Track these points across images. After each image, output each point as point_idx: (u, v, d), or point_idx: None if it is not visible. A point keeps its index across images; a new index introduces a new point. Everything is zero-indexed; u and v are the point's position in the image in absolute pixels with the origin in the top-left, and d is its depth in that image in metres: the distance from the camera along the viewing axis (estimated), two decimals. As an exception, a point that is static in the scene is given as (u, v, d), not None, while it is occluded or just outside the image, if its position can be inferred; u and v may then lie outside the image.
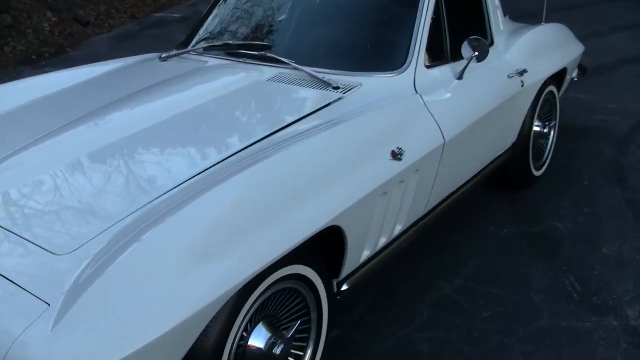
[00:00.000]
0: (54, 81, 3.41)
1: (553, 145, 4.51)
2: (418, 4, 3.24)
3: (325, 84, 2.97)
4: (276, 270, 2.19)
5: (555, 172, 4.52)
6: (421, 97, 2.99)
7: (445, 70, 3.28)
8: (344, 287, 2.65)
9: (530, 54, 3.95)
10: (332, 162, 2.42)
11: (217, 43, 3.46)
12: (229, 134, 2.65)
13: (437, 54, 3.32)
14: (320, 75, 3.01)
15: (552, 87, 4.31)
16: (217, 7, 3.77)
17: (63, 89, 3.31)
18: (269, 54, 3.21)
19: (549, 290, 3.29)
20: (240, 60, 3.28)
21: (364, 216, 2.51)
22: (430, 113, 2.95)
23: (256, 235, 2.05)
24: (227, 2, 3.75)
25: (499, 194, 4.28)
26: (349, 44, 3.31)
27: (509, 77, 3.67)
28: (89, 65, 3.70)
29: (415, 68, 3.11)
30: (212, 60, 3.36)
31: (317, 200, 2.28)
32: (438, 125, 2.95)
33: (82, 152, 2.53)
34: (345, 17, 3.42)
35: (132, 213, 2.10)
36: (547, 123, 4.36)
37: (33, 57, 8.12)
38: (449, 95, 3.18)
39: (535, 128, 4.19)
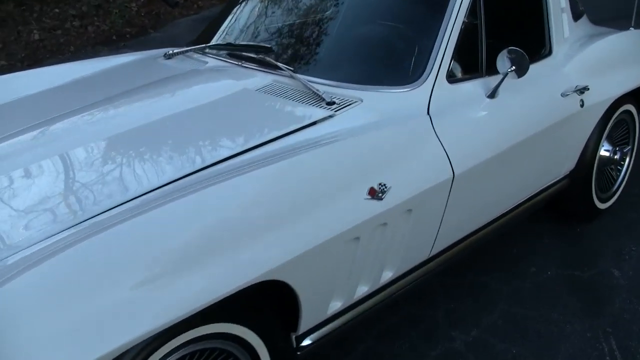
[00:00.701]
0: (54, 74, 3.18)
1: (628, 174, 3.85)
2: (447, 4, 2.73)
3: (319, 99, 2.54)
4: (188, 330, 1.82)
5: (628, 206, 3.87)
6: (431, 120, 2.50)
7: (476, 87, 2.77)
8: (306, 342, 2.24)
9: (598, 67, 3.33)
10: (282, 201, 2.01)
11: (221, 43, 3.09)
12: (188, 152, 2.29)
13: (469, 66, 2.81)
14: (315, 88, 2.59)
15: (629, 107, 3.65)
16: (231, 6, 3.40)
17: (57, 85, 3.06)
18: (267, 59, 2.81)
19: (580, 358, 2.73)
20: (240, 63, 2.91)
21: (322, 267, 2.09)
22: (439, 140, 2.46)
23: (166, 287, 1.70)
24: (241, 2, 3.38)
25: (554, 226, 3.69)
26: (355, 52, 2.86)
27: (563, 95, 3.08)
28: (96, 59, 3.45)
29: (434, 83, 2.62)
30: (211, 62, 3.02)
31: (252, 249, 1.88)
32: (447, 155, 2.46)
33: (37, 155, 2.29)
34: (356, 20, 2.96)
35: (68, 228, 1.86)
36: (620, 148, 3.70)
37: (114, 37, 8.09)
38: (473, 117, 2.68)
39: (603, 153, 3.57)
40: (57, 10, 8.48)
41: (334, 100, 2.54)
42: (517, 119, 2.84)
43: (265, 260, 1.90)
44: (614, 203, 3.81)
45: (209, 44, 3.12)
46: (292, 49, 2.90)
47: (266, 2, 3.19)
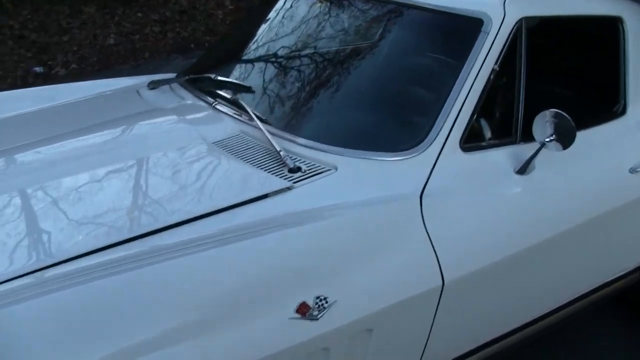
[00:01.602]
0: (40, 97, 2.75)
1: None
2: (470, 45, 2.07)
3: (281, 163, 1.95)
4: None
5: None
6: (420, 205, 1.85)
7: (504, 157, 2.08)
8: None
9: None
10: (172, 312, 1.44)
11: (203, 75, 2.55)
12: (97, 227, 1.76)
13: (499, 128, 2.13)
14: (279, 147, 2.00)
15: None
16: (230, 35, 2.88)
17: (28, 111, 2.61)
18: (240, 102, 2.25)
19: None
20: (214, 102, 2.35)
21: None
22: (427, 233, 1.81)
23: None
24: (240, 31, 2.84)
25: (617, 325, 2.91)
26: (339, 104, 2.23)
27: (632, 171, 2.33)
28: (84, 84, 3.00)
29: (440, 151, 1.97)
30: (187, 97, 2.48)
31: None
32: (435, 254, 1.80)
33: None
34: (346, 63, 2.33)
35: None
36: None
37: (192, 45, 7.79)
38: (491, 199, 2.00)
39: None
40: (139, 14, 8.28)
41: (300, 165, 1.95)
42: (557, 202, 2.12)
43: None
44: None
45: (189, 76, 2.59)
46: (272, 95, 2.31)
47: (261, 38, 2.61)
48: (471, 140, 2.03)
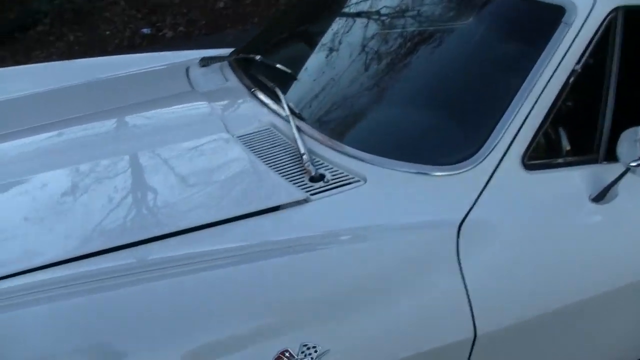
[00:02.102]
0: (69, 70, 2.62)
1: None
2: (548, 36, 1.68)
3: (302, 170, 1.67)
4: None
5: None
6: (457, 234, 1.52)
7: (579, 179, 1.69)
8: None
9: None
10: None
11: (249, 56, 2.28)
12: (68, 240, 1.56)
13: (575, 144, 1.74)
14: (306, 149, 1.71)
15: None
16: (289, 13, 2.59)
17: (72, 84, 2.47)
18: (277, 90, 1.97)
19: None
20: (253, 88, 2.09)
21: None
22: (462, 272, 1.47)
23: None
24: (296, 11, 2.54)
25: None
26: (381, 103, 1.90)
27: None
28: (141, 55, 2.85)
29: (496, 169, 1.61)
30: (230, 80, 2.24)
31: None
32: (469, 300, 1.46)
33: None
34: (396, 56, 1.97)
35: None
36: None
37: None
38: (553, 233, 1.63)
39: None
40: (254, -23, 8.12)
41: (325, 173, 1.66)
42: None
43: None
44: None
45: (237, 56, 2.34)
46: (313, 86, 2.02)
47: (314, 22, 2.31)
48: (537, 156, 1.66)
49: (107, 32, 6.56)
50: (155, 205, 1.64)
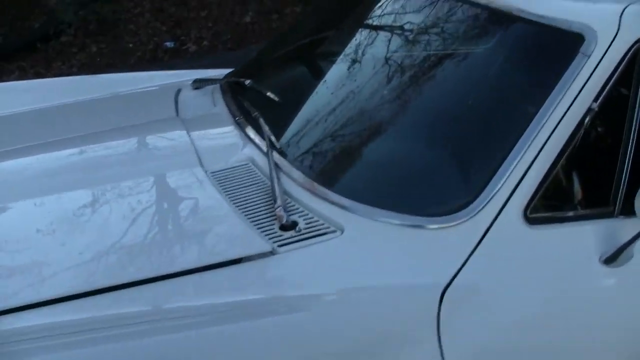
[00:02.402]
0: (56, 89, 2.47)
1: None
2: (563, 68, 1.47)
3: (273, 215, 1.48)
4: None
5: None
6: (440, 300, 1.31)
7: (587, 236, 1.47)
8: None
9: None
10: None
11: (239, 80, 2.11)
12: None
13: (587, 195, 1.52)
14: (279, 190, 1.52)
15: None
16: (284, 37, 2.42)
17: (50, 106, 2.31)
18: (260, 120, 1.79)
19: None
20: (238, 117, 1.92)
21: None
22: (440, 347, 1.27)
23: None
24: (294, 35, 2.37)
25: None
26: (367, 141, 1.70)
27: None
28: (137, 73, 2.71)
29: (493, 222, 1.41)
30: (218, 106, 2.06)
31: None
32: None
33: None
34: (389, 84, 1.76)
35: None
36: None
37: (330, 28, 7.36)
38: (557, 299, 1.41)
39: None
40: (284, -9, 7.99)
41: (298, 220, 1.47)
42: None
43: None
44: None
45: (229, 79, 2.17)
46: (298, 116, 1.84)
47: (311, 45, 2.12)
48: (542, 208, 1.44)
49: (130, 45, 6.48)
50: (94, 252, 1.45)
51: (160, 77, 2.64)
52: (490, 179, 1.43)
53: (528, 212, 1.42)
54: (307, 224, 1.46)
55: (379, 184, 1.54)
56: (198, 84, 2.30)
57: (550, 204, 1.47)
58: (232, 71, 2.38)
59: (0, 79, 5.86)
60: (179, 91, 2.30)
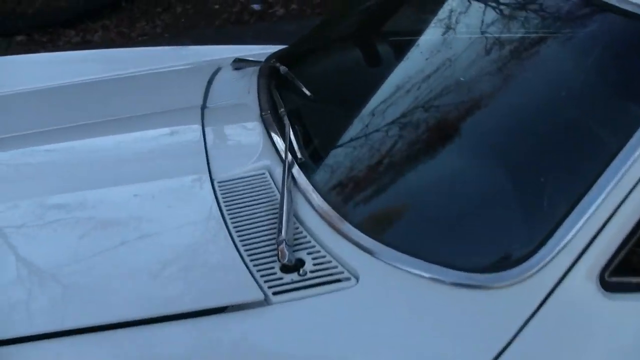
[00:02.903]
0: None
1: None
2: None
3: (274, 251, 1.18)
4: None
5: None
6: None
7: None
8: None
9: None
10: None
11: (275, 64, 1.80)
12: None
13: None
14: (286, 221, 1.22)
15: None
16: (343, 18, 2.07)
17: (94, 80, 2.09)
18: (285, 119, 1.49)
19: None
20: (265, 112, 1.62)
21: None
22: None
23: None
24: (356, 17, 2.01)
25: None
26: (409, 180, 1.34)
27: None
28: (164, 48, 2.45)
29: (556, 286, 1.06)
30: (250, 94, 1.76)
31: None
32: None
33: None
34: (444, 120, 1.39)
35: None
36: None
37: None
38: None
39: None
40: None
41: (305, 260, 1.17)
42: None
43: None
44: None
45: (267, 62, 1.86)
46: (335, 127, 1.50)
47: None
48: (625, 271, 1.07)
49: (216, 6, 6.25)
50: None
51: (212, 52, 2.36)
52: (558, 227, 1.07)
53: (606, 275, 1.06)
54: (315, 265, 1.15)
55: (413, 226, 1.21)
56: (238, 63, 2.01)
57: (635, 266, 1.09)
58: (280, 50, 2.07)
59: (84, 38, 5.80)
60: (217, 71, 2.02)
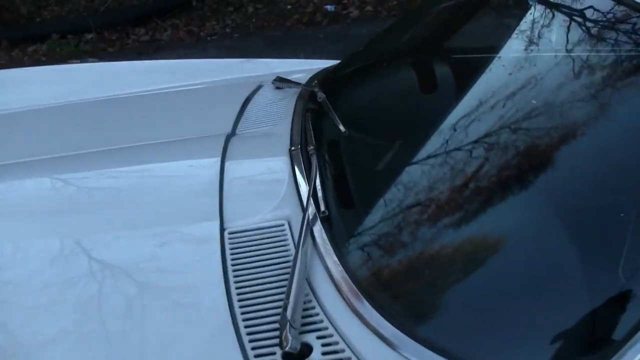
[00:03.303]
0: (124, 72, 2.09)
1: None
2: None
3: (273, 337, 0.97)
4: None
5: None
6: None
7: None
8: None
9: None
10: None
11: (313, 88, 1.58)
12: None
13: None
14: (297, 297, 1.00)
15: None
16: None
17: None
18: (313, 160, 1.27)
19: None
20: (294, 147, 1.40)
21: None
22: None
23: None
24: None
25: None
26: (461, 266, 1.08)
27: None
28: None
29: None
30: (285, 120, 1.55)
31: None
32: None
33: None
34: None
35: None
36: None
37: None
38: None
39: None
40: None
41: (313, 346, 0.95)
42: None
43: None
44: None
45: (308, 85, 1.65)
46: (373, 181, 1.27)
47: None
48: None
49: (289, 6, 6.08)
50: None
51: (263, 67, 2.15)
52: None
53: None
54: (324, 354, 0.93)
55: (450, 319, 0.96)
56: (279, 82, 1.81)
57: None
58: (326, 69, 1.85)
59: (152, 37, 5.73)
60: (257, 89, 1.83)
